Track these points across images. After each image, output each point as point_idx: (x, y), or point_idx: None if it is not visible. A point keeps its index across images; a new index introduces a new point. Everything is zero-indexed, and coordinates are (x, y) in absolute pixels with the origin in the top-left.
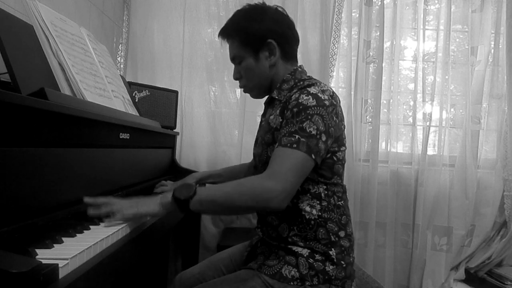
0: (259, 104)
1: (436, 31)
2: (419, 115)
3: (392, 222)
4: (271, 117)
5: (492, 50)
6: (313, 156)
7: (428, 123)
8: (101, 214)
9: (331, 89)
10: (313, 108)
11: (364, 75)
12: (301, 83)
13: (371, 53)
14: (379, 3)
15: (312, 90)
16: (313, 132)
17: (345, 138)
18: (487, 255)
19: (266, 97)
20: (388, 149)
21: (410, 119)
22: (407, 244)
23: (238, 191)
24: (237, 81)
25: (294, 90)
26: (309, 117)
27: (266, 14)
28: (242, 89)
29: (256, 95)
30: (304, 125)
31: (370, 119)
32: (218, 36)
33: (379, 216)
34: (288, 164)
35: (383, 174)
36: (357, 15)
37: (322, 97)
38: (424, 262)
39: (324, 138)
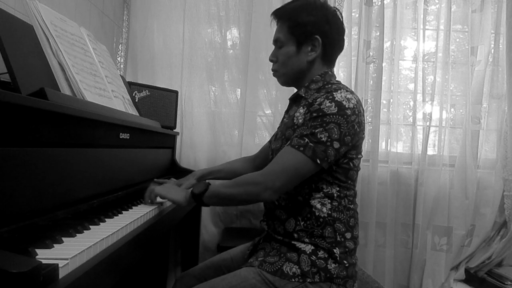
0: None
1: (436, 31)
2: (419, 115)
3: (392, 222)
4: (296, 114)
5: (492, 50)
6: (319, 161)
7: (428, 123)
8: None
9: (357, 97)
10: (331, 116)
11: (364, 75)
12: (329, 86)
13: (371, 53)
14: (379, 3)
15: (338, 96)
16: (323, 139)
17: (361, 147)
18: (487, 255)
19: (293, 93)
20: (388, 149)
21: (410, 119)
22: (407, 244)
23: (236, 185)
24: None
25: (322, 93)
26: (324, 124)
27: (322, 12)
28: (272, 72)
29: (283, 82)
30: (316, 131)
31: (370, 119)
32: (271, 15)
33: (379, 216)
34: (286, 164)
35: (383, 174)
36: (357, 15)
37: (346, 105)
38: (424, 262)
39: (336, 146)
